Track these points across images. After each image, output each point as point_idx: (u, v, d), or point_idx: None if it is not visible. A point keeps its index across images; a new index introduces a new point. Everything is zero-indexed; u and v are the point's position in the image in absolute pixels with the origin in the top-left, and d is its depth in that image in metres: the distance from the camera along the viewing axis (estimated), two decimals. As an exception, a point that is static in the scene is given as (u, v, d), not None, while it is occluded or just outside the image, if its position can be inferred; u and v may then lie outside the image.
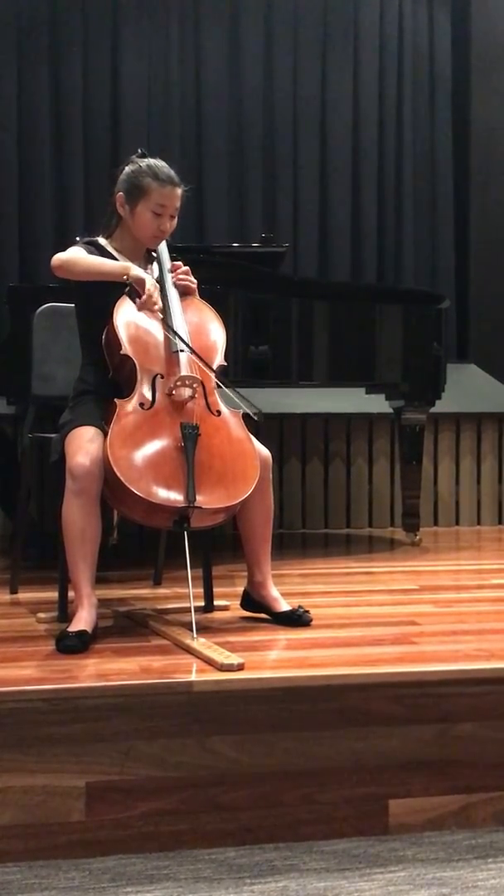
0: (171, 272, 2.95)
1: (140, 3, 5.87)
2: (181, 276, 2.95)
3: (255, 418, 2.75)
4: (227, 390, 2.77)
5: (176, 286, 2.94)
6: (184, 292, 2.96)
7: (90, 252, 2.89)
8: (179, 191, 2.90)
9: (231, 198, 6.02)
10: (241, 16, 6.03)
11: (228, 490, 2.70)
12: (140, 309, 2.78)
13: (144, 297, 2.75)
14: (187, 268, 2.98)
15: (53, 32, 5.73)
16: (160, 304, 2.81)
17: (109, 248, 2.95)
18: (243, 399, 2.75)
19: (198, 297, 3.00)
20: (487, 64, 6.30)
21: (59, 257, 2.84)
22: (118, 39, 5.85)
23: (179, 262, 2.99)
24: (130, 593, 3.41)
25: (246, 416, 2.83)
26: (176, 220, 2.93)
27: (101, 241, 2.97)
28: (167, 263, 2.97)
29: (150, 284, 2.79)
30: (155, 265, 2.99)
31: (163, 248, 2.98)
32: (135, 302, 2.80)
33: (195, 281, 2.99)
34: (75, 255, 2.85)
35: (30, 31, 5.67)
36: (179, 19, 5.93)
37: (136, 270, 2.80)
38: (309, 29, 6.12)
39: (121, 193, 2.91)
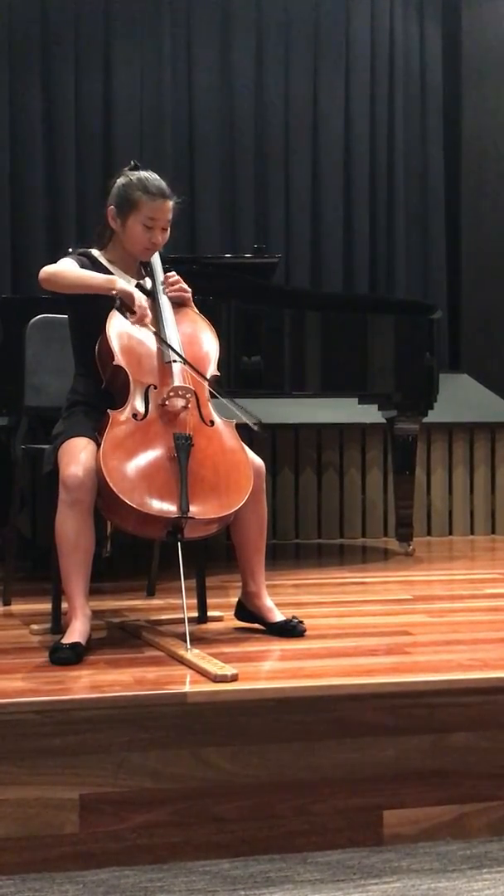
0: (164, 283, 2.95)
1: (132, 19, 5.90)
2: (174, 287, 2.96)
3: (255, 429, 2.75)
4: (225, 401, 2.77)
5: (169, 297, 2.94)
6: (179, 303, 2.97)
7: (82, 264, 2.89)
8: (170, 203, 2.89)
9: (223, 209, 6.04)
10: (233, 30, 6.06)
11: (222, 500, 2.70)
12: (134, 324, 2.79)
13: (138, 312, 2.76)
14: (179, 277, 2.99)
15: (45, 49, 5.75)
16: (150, 315, 2.81)
17: (102, 260, 2.95)
18: (242, 410, 2.75)
19: (193, 308, 3.00)
20: (478, 76, 6.34)
21: (46, 270, 2.83)
22: (110, 54, 5.88)
23: (172, 273, 2.99)
24: (124, 604, 3.40)
25: (242, 426, 2.83)
26: (168, 233, 2.93)
27: (94, 252, 2.97)
28: (160, 275, 2.97)
29: (139, 298, 2.79)
30: (148, 277, 3.00)
31: (155, 258, 2.98)
32: (125, 316, 2.80)
33: (189, 289, 2.99)
34: (62, 269, 2.84)
35: (22, 47, 5.69)
36: (171, 34, 5.95)
37: (121, 284, 2.79)
38: (300, 42, 6.16)
39: (112, 207, 2.91)
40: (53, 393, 3.26)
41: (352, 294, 6.02)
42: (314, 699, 2.29)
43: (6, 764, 2.14)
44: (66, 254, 2.96)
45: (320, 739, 2.27)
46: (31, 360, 3.43)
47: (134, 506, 2.59)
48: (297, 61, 6.16)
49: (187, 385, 2.78)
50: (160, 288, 2.94)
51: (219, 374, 2.94)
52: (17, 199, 5.69)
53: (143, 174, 2.91)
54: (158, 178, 2.91)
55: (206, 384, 2.83)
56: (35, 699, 2.21)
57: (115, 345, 2.79)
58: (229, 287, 4.16)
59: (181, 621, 2.65)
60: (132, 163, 2.99)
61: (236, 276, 4.33)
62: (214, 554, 4.39)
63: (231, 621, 3.00)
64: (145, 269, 3.01)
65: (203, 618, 3.06)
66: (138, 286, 2.90)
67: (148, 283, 2.97)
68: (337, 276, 6.17)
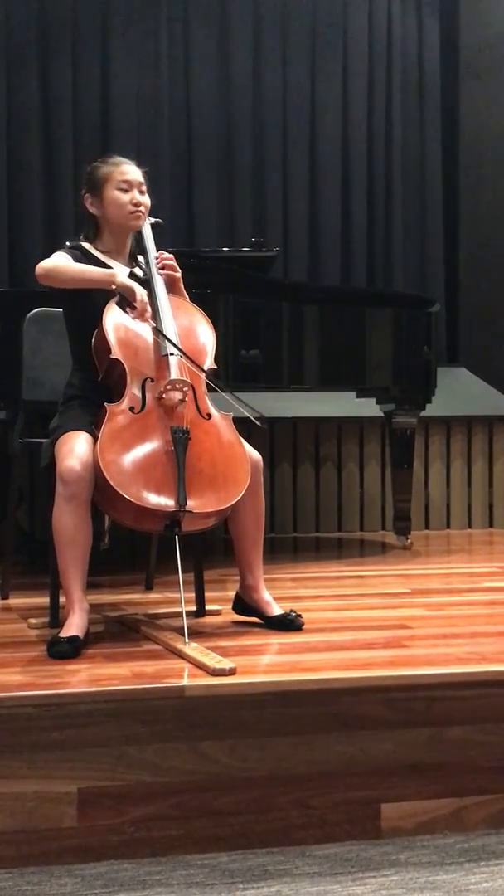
0: (157, 259, 2.95)
1: (129, 12, 5.88)
2: (165, 264, 2.95)
3: (259, 423, 2.74)
4: (223, 394, 2.76)
5: (160, 275, 2.93)
6: (168, 286, 2.95)
7: (75, 257, 2.89)
8: (135, 167, 2.96)
9: (221, 202, 6.03)
10: (231, 23, 6.04)
11: (219, 494, 2.69)
12: (135, 318, 2.79)
13: (139, 307, 2.76)
14: (171, 257, 2.98)
15: (43, 43, 5.74)
16: (150, 310, 2.81)
17: (94, 252, 2.95)
18: (240, 402, 2.74)
19: (184, 294, 3.00)
20: (476, 69, 6.32)
21: (43, 266, 2.83)
22: (107, 48, 5.86)
23: (164, 253, 2.99)
24: (122, 598, 3.40)
25: (240, 420, 2.82)
26: (148, 197, 2.96)
27: (86, 245, 2.97)
28: (154, 260, 2.95)
29: (140, 293, 2.78)
30: (140, 265, 2.98)
31: (150, 246, 2.97)
32: (126, 311, 2.79)
33: (179, 269, 2.99)
34: (60, 264, 2.84)
35: (19, 38, 5.67)
36: (169, 26, 5.94)
37: (121, 278, 2.80)
38: (298, 36, 6.14)
39: (86, 194, 2.97)
40: (51, 386, 3.26)
41: (350, 287, 6.02)
42: (312, 693, 2.29)
43: (4, 757, 2.13)
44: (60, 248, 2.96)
45: (318, 733, 2.27)
46: (28, 354, 3.43)
47: (131, 499, 2.58)
48: (295, 54, 6.15)
49: (185, 378, 2.77)
50: (155, 276, 2.92)
51: (216, 366, 2.93)
52: (14, 193, 5.68)
53: (102, 157, 3.00)
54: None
55: (203, 377, 2.83)
56: (33, 693, 2.21)
57: (112, 337, 2.78)
58: (227, 280, 4.15)
59: (179, 615, 2.65)
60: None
61: (234, 269, 4.32)
62: (212, 547, 4.39)
63: (229, 615, 3.00)
64: (138, 252, 2.99)
65: (201, 611, 3.06)
66: (131, 275, 2.90)
67: (139, 272, 2.95)
68: (335, 270, 6.16)
